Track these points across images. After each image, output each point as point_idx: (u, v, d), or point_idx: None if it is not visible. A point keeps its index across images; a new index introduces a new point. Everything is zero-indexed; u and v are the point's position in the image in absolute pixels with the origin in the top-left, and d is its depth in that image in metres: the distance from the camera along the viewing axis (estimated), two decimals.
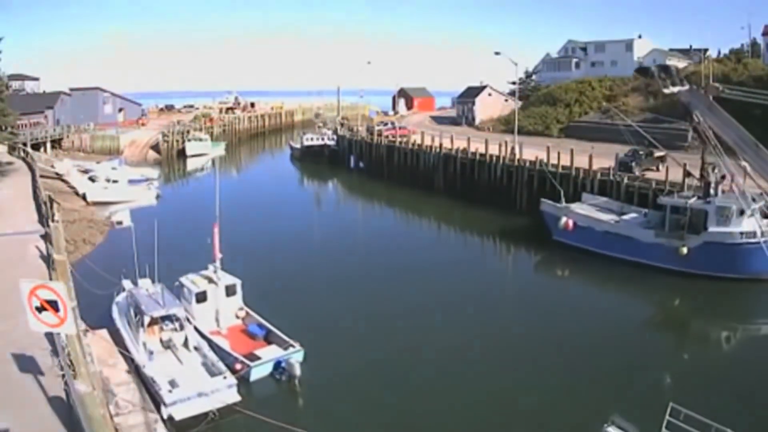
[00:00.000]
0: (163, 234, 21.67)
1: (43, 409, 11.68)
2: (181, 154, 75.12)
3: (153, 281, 21.27)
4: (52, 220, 23.15)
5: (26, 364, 13.80)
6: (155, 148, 75.15)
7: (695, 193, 30.19)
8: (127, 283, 21.82)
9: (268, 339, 20.41)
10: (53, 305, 9.75)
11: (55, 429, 11.13)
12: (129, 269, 21.74)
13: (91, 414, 9.67)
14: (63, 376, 11.85)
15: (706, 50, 64.54)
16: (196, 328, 20.16)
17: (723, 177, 29.38)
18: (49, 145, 66.53)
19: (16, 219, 29.80)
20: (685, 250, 28.20)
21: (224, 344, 19.74)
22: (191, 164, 72.38)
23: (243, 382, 17.97)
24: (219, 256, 21.30)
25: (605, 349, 21.31)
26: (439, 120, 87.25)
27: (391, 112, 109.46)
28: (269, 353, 19.26)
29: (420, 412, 17.07)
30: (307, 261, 32.53)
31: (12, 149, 55.96)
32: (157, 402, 16.35)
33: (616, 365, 19.96)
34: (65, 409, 11.68)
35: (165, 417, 15.86)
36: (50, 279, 16.64)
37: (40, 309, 9.82)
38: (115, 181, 47.79)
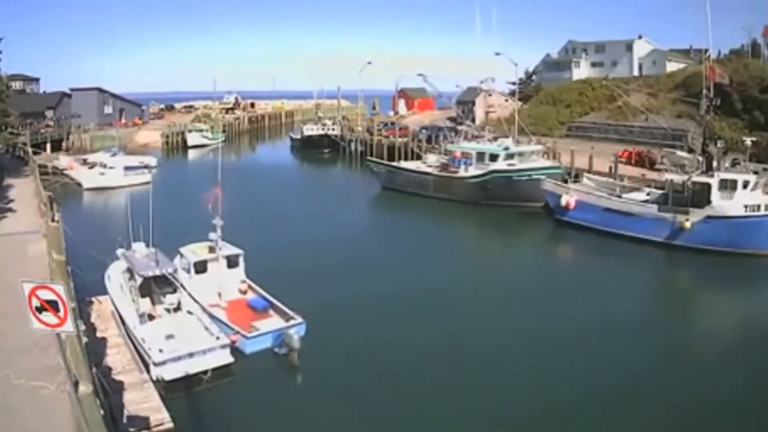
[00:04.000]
0: (159, 212, 21.28)
1: (42, 410, 11.61)
2: (184, 145, 77.68)
3: (147, 245, 20.81)
4: (52, 220, 23.05)
5: (26, 364, 13.71)
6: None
7: (699, 167, 30.04)
8: (121, 251, 21.56)
9: (271, 312, 19.89)
10: (53, 305, 9.66)
11: (55, 430, 11.07)
12: (124, 239, 21.57)
13: (91, 415, 9.59)
14: (62, 376, 11.77)
15: (706, 50, 64.41)
16: (195, 301, 19.77)
17: (725, 152, 29.28)
18: (49, 145, 66.45)
19: (17, 218, 29.72)
20: (689, 224, 27.97)
21: (222, 316, 19.29)
22: (192, 155, 74.07)
23: (241, 354, 17.72)
24: (220, 223, 20.62)
25: (613, 321, 21.36)
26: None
27: (390, 113, 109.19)
28: (268, 325, 18.82)
29: (424, 388, 16.81)
30: (312, 238, 32.63)
31: (12, 149, 55.93)
32: (147, 363, 16.14)
33: (625, 333, 20.08)
34: (65, 410, 11.60)
35: (155, 378, 15.66)
36: (50, 279, 16.56)
37: (40, 309, 9.73)
38: (111, 168, 47.81)
